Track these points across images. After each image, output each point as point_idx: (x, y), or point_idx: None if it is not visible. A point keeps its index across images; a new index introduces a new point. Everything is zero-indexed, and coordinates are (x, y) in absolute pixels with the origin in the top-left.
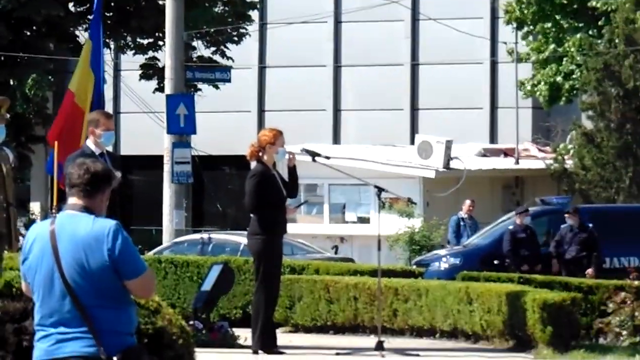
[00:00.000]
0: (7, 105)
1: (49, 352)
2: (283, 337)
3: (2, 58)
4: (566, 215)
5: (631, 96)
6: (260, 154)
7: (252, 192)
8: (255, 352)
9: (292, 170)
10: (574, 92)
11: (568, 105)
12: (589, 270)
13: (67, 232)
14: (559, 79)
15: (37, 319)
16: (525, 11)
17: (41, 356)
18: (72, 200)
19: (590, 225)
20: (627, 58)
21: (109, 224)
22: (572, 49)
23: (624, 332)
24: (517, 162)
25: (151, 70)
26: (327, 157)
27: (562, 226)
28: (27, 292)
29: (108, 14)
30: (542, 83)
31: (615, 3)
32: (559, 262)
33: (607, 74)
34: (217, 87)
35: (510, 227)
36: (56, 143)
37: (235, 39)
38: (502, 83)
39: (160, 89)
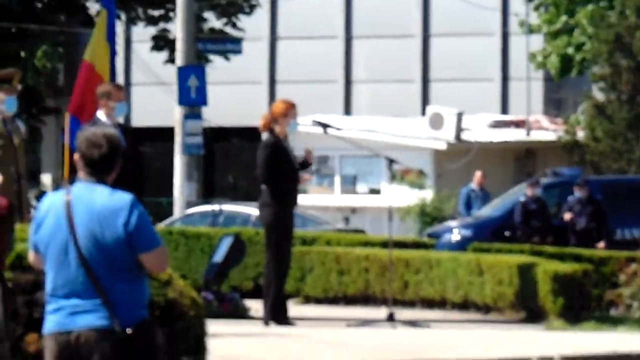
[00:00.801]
0: (19, 77)
1: (61, 324)
2: (294, 308)
3: (13, 30)
4: (575, 187)
5: None
6: (273, 125)
7: (263, 163)
8: (267, 323)
9: (307, 164)
10: (585, 64)
11: (579, 77)
12: (600, 244)
13: (83, 203)
14: (570, 50)
15: (49, 289)
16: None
17: (53, 328)
18: (82, 172)
19: (599, 197)
20: (639, 30)
21: (126, 197)
22: (584, 21)
23: (635, 304)
24: (528, 134)
25: (162, 42)
26: (339, 129)
27: (570, 198)
28: (35, 263)
29: None
30: (553, 55)
31: None
32: (570, 235)
33: (619, 46)
34: (227, 59)
35: (522, 198)
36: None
37: (247, 10)
38: (513, 55)
39: (171, 60)
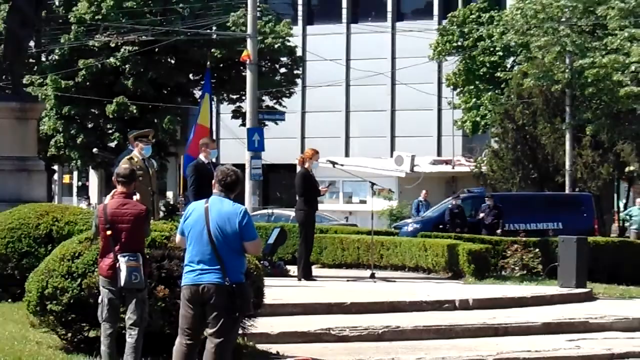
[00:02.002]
0: (153, 134)
1: (193, 280)
2: (316, 270)
3: (150, 106)
4: (486, 198)
5: (521, 129)
6: (305, 163)
7: (299, 185)
8: (299, 280)
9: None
10: (487, 126)
11: (483, 134)
12: (498, 231)
13: (215, 208)
14: (478, 119)
15: (187, 258)
16: (458, 79)
17: (188, 282)
18: (217, 190)
19: (501, 206)
20: (518, 107)
21: (241, 207)
22: (486, 101)
23: (516, 268)
24: (453, 168)
25: (238, 113)
26: (342, 165)
27: (482, 205)
28: (180, 243)
29: (212, 81)
30: (468, 121)
31: (510, 74)
32: (481, 227)
33: (506, 116)
34: (276, 123)
35: (449, 205)
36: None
37: (287, 95)
38: (444, 121)
39: (243, 124)
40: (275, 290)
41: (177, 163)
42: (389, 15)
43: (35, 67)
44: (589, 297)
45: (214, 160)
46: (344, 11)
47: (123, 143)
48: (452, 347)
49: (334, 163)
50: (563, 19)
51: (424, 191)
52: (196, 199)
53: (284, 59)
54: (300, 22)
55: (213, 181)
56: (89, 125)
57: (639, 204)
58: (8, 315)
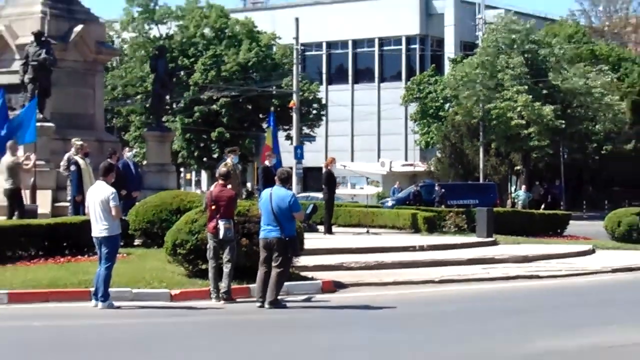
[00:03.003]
0: (238, 150)
1: (265, 235)
2: (334, 229)
3: (237, 133)
4: (436, 186)
5: (453, 146)
6: (328, 166)
7: (324, 180)
8: (324, 234)
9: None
10: (434, 144)
11: (432, 148)
12: (442, 206)
13: (276, 193)
14: (429, 139)
15: (261, 223)
16: (417, 116)
17: (262, 236)
18: (278, 182)
19: (444, 190)
20: (452, 132)
21: (291, 192)
22: (434, 129)
23: (452, 227)
24: (414, 168)
25: (289, 136)
26: (348, 167)
27: (436, 189)
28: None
29: (274, 118)
30: (423, 141)
31: (448, 113)
32: (436, 203)
33: (445, 138)
34: (310, 142)
35: (412, 190)
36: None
37: (317, 126)
38: (409, 140)
39: (291, 143)
40: (311, 241)
41: (253, 166)
42: (376, 79)
43: (170, 110)
44: (494, 243)
45: (275, 164)
46: (350, 77)
47: (221, 155)
48: (415, 273)
49: (344, 166)
50: (478, 81)
51: (397, 182)
52: (265, 187)
53: (315, 105)
54: (324, 83)
55: (275, 177)
56: (201, 145)
57: (523, 189)
58: (155, 256)
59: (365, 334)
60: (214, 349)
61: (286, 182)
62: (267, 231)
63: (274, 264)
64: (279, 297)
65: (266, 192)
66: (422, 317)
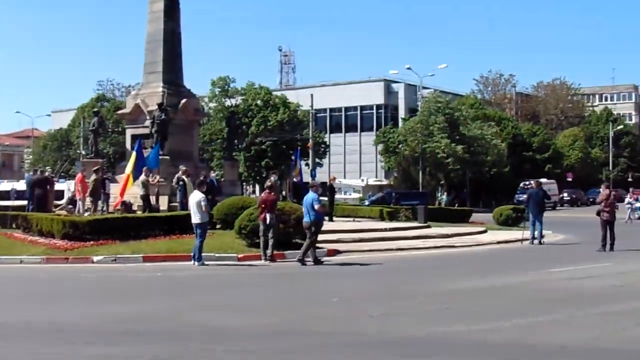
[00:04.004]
0: (277, 172)
1: (304, 220)
2: (335, 218)
3: (275, 163)
4: (394, 193)
5: (405, 170)
6: (331, 181)
7: (329, 189)
8: (328, 221)
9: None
10: (393, 168)
11: (392, 171)
12: (394, 204)
13: (307, 196)
14: (390, 165)
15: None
16: (383, 152)
17: (303, 221)
18: (312, 189)
19: (398, 195)
20: (403, 161)
21: (315, 195)
22: (392, 159)
23: (403, 217)
24: (380, 182)
25: (307, 163)
26: (341, 181)
27: (394, 194)
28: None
29: (297, 152)
30: (387, 166)
31: (401, 150)
32: (393, 203)
33: (399, 165)
34: (320, 166)
35: (380, 195)
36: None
37: (324, 157)
38: (378, 166)
39: (308, 166)
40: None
41: (287, 182)
42: (358, 130)
43: (237, 148)
44: (428, 226)
45: (299, 180)
46: (342, 129)
47: (267, 175)
48: (382, 245)
49: (339, 181)
50: (418, 131)
51: (371, 191)
52: (293, 195)
53: (322, 145)
54: (328, 132)
55: (309, 186)
56: (255, 169)
57: (445, 195)
58: (228, 235)
59: (354, 279)
60: (263, 286)
61: (314, 189)
62: (305, 217)
63: (307, 238)
64: (315, 257)
65: (306, 196)
66: (387, 270)
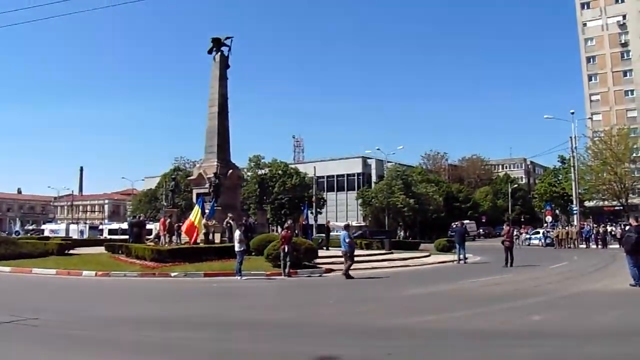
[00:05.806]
0: (292, 218)
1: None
2: (330, 248)
3: (288, 212)
4: (368, 231)
5: (376, 216)
6: (328, 224)
7: (325, 229)
8: (324, 250)
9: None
10: (370, 215)
11: (368, 216)
12: (368, 239)
13: (342, 233)
14: (367, 212)
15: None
16: (364, 203)
17: (343, 249)
18: (344, 229)
19: (369, 232)
20: (375, 210)
21: (345, 232)
22: (368, 208)
23: (376, 248)
24: (359, 224)
25: (311, 211)
26: (334, 224)
27: (368, 232)
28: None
29: (303, 204)
30: (365, 213)
31: (374, 204)
32: (367, 237)
33: (373, 213)
34: (320, 213)
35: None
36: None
37: (322, 208)
38: (358, 213)
39: (312, 214)
40: (320, 252)
41: (299, 224)
42: (345, 190)
43: (266, 201)
44: (392, 253)
45: (306, 223)
46: (335, 189)
47: (285, 220)
48: (362, 265)
49: (333, 223)
50: (384, 191)
51: (354, 229)
52: (303, 233)
53: (322, 200)
54: (325, 191)
55: (342, 226)
56: (277, 216)
57: (403, 232)
58: (259, 260)
59: (342, 288)
60: (282, 294)
61: (346, 229)
62: (342, 247)
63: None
64: (347, 273)
65: (341, 233)
66: (363, 282)
